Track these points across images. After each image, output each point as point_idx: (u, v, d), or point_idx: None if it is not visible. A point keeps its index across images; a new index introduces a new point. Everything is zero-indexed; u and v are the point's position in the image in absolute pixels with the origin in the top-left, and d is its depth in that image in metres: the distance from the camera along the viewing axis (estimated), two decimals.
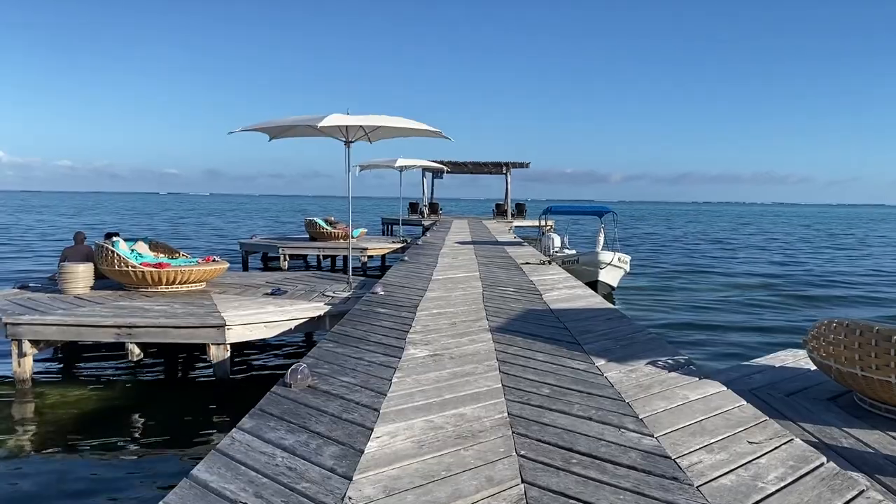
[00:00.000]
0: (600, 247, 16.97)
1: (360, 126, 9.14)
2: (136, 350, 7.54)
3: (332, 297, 9.28)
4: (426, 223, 33.63)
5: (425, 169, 36.68)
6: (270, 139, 10.19)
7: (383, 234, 33.88)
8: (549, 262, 12.29)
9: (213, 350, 7.44)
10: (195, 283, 9.83)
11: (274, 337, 7.99)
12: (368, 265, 19.58)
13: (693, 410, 3.87)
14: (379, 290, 8.48)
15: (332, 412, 3.79)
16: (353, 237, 20.21)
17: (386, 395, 4.14)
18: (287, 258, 18.60)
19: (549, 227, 36.28)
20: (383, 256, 20.42)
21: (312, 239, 20.22)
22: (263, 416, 3.73)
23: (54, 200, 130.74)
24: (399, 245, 19.45)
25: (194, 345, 7.77)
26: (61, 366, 8.55)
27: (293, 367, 4.27)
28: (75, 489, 5.08)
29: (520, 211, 37.85)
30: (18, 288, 9.67)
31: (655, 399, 4.09)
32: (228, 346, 7.52)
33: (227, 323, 7.42)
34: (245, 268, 19.69)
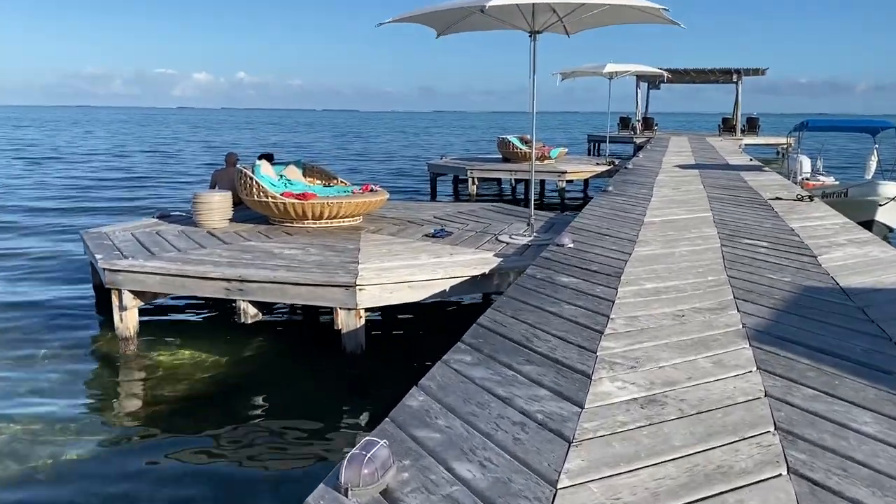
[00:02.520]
0: (871, 173, 12.94)
1: (549, 4, 6.55)
2: (251, 310, 5.93)
3: (508, 243, 7.06)
4: (639, 141, 29.95)
5: (640, 77, 32.62)
6: (438, 35, 7.95)
7: (589, 154, 30.79)
8: (811, 198, 8.97)
9: (341, 316, 5.60)
10: (348, 217, 8.10)
11: (425, 299, 5.98)
12: (567, 191, 17.04)
13: None
14: (566, 241, 6.07)
15: None
16: (551, 158, 17.73)
17: None
18: (476, 182, 16.63)
19: (788, 146, 30.73)
20: (586, 181, 17.67)
21: (505, 160, 18.01)
22: None
23: (287, 117, 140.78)
24: (605, 167, 16.63)
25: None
26: (175, 319, 7.29)
27: (351, 455, 2.12)
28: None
29: (751, 126, 32.48)
30: (157, 217, 8.58)
31: None
32: (362, 312, 5.65)
33: (360, 282, 5.51)
34: (433, 192, 18.08)
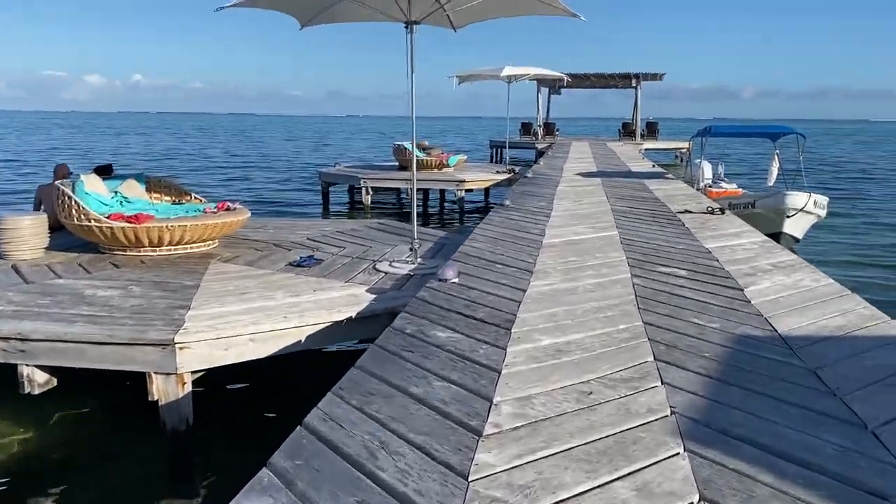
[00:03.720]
0: (773, 180, 12.63)
1: None
2: (40, 376, 4.50)
3: (387, 272, 5.92)
4: (541, 146, 29.53)
5: (540, 82, 32.30)
6: (301, 27, 6.71)
7: (491, 161, 30.14)
8: (722, 211, 8.28)
9: (157, 383, 4.28)
10: (198, 243, 6.73)
11: (272, 355, 4.72)
12: (468, 200, 16.11)
13: None
14: (450, 274, 4.97)
15: None
16: (450, 166, 16.76)
17: None
18: (370, 192, 15.42)
19: (688, 151, 31.20)
20: (487, 190, 16.75)
21: (402, 168, 16.88)
22: None
23: (186, 121, 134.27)
24: (506, 176, 15.79)
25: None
26: None
27: None
28: None
29: (651, 131, 32.76)
30: None
31: None
32: (187, 377, 4.35)
33: (181, 338, 4.21)
34: (325, 204, 16.74)
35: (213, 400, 5.10)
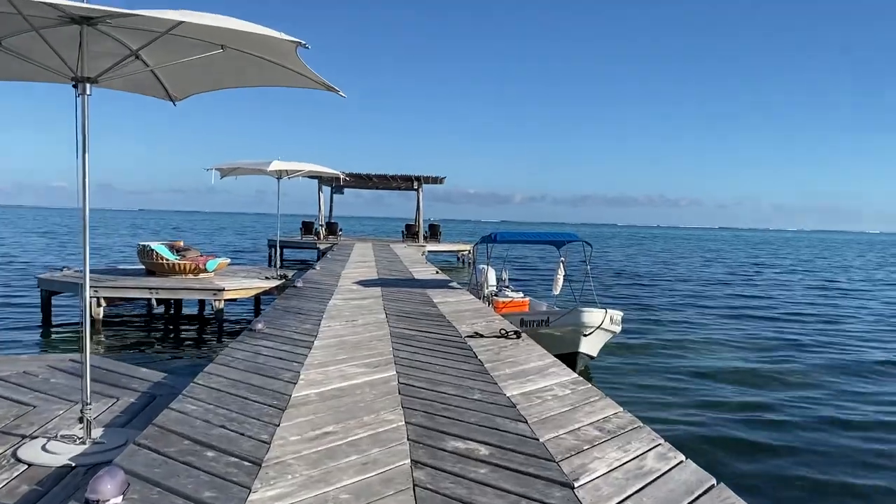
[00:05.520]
0: (559, 288, 11.96)
1: (90, 15, 3.59)
2: None
3: (32, 464, 3.66)
4: (322, 247, 27.92)
5: (322, 180, 31.03)
6: None
7: (269, 263, 27.84)
8: (518, 335, 7.00)
9: None
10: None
11: None
12: (231, 313, 13.79)
13: None
14: (111, 492, 2.89)
15: None
16: (208, 270, 14.37)
17: None
18: (103, 303, 12.50)
19: (470, 254, 31.15)
20: (257, 298, 14.49)
21: (150, 273, 14.15)
22: None
23: None
24: (276, 283, 13.76)
25: None
26: None
27: None
28: None
29: (433, 233, 32.60)
30: None
31: None
32: None
33: None
34: (45, 318, 13.39)
35: None
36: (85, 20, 3.75)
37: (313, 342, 6.51)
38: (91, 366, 6.03)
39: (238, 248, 41.32)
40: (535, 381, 5.19)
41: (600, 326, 8.91)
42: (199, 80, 4.92)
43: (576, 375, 5.40)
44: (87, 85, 3.88)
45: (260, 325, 7.02)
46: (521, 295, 12.69)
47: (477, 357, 6.01)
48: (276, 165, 13.70)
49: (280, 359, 5.73)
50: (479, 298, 11.69)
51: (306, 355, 5.91)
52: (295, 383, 4.91)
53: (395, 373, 5.35)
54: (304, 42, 3.49)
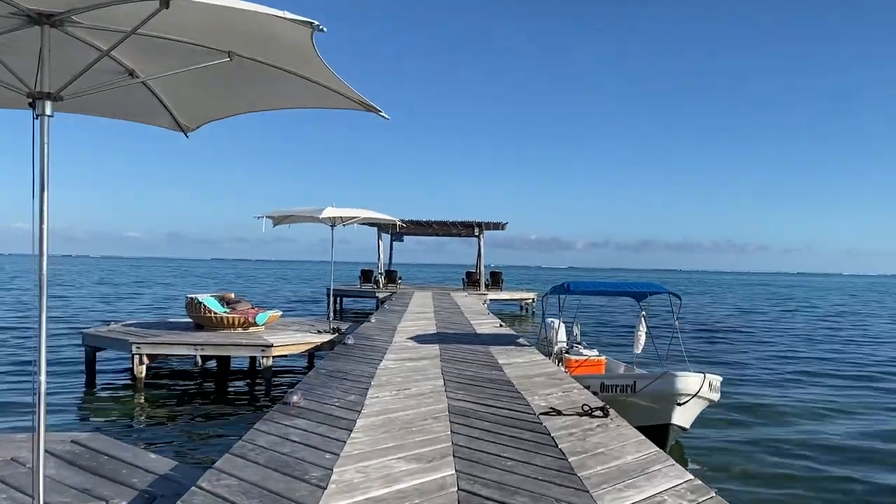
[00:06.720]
0: (640, 347, 10.57)
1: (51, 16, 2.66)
2: None
3: None
4: (381, 295, 27.07)
5: (380, 228, 30.37)
6: None
7: (330, 312, 27.06)
8: (605, 412, 5.71)
9: None
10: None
11: None
12: (283, 367, 12.87)
13: None
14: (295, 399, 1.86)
15: None
16: (258, 324, 13.54)
17: None
18: (145, 361, 11.75)
19: (532, 302, 29.65)
20: (310, 354, 13.50)
21: (199, 327, 13.41)
22: None
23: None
24: (328, 338, 12.81)
25: None
26: None
27: None
28: None
29: (495, 281, 31.36)
30: None
31: None
32: None
33: None
34: (89, 376, 12.71)
35: None
36: (46, 18, 2.86)
37: (356, 421, 5.39)
38: (91, 449, 5.06)
39: (297, 298, 40.88)
40: (638, 485, 3.92)
41: (697, 394, 7.50)
42: (209, 103, 3.98)
43: (691, 477, 4.10)
44: (47, 103, 2.95)
45: (295, 398, 5.95)
46: (597, 353, 11.32)
47: (557, 446, 4.77)
48: (329, 212, 12.88)
49: (312, 447, 4.62)
50: (548, 356, 10.42)
51: (345, 441, 4.79)
52: (324, 488, 3.79)
53: (453, 471, 4.16)
54: (317, 23, 2.48)
